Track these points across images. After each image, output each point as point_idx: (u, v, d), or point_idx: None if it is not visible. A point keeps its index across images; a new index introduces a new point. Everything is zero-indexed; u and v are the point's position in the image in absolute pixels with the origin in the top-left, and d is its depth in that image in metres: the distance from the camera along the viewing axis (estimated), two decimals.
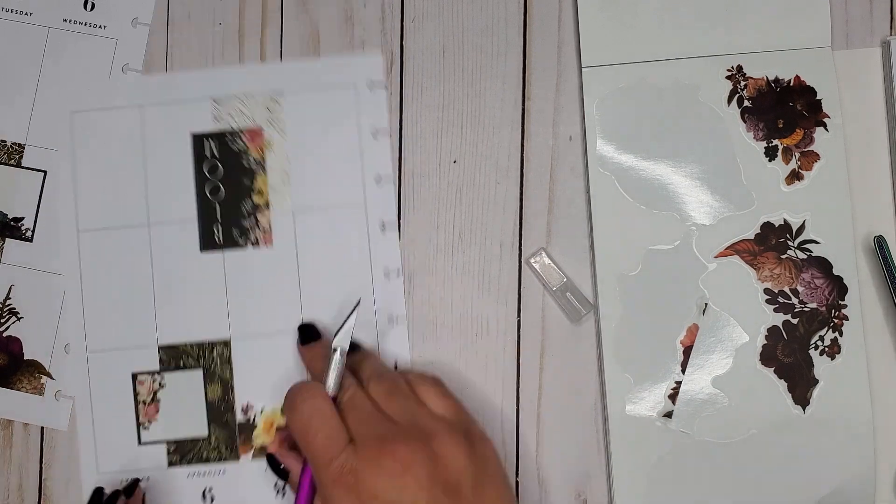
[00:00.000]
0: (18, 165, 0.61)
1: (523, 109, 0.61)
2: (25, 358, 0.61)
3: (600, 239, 0.59)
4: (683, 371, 0.58)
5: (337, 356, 0.53)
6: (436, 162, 0.61)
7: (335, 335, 0.54)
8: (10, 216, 0.61)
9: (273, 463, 0.56)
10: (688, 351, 0.58)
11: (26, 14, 0.62)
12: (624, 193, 0.59)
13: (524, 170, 0.61)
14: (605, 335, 0.58)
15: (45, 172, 0.61)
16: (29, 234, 0.61)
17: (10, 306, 0.61)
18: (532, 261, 0.59)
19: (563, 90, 0.61)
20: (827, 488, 0.57)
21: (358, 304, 0.56)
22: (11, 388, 0.60)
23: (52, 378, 0.60)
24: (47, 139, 0.61)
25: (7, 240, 0.61)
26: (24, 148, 0.61)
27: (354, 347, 0.57)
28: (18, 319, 0.61)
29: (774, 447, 0.57)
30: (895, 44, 0.59)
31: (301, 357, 0.59)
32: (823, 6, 0.59)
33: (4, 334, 0.61)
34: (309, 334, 0.58)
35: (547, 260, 0.59)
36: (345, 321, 0.54)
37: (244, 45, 0.61)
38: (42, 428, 0.60)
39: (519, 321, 0.60)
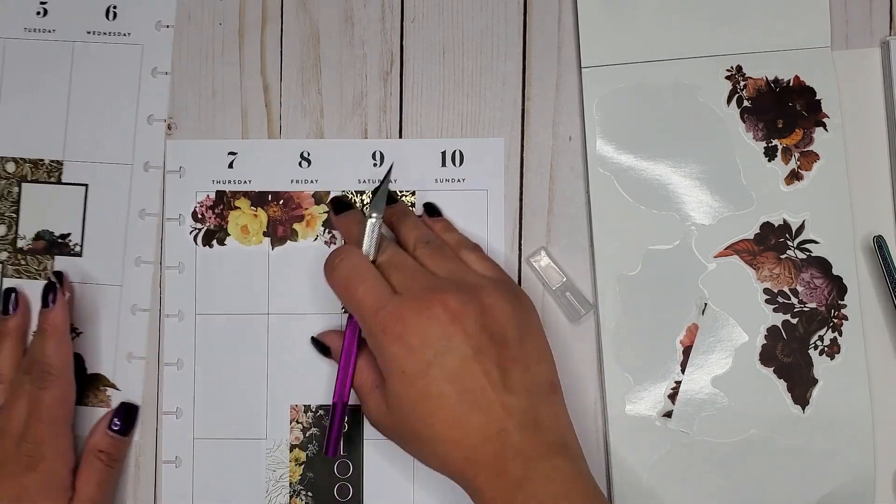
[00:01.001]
0: (59, 182, 0.61)
1: (523, 109, 0.61)
2: (88, 373, 0.60)
3: (600, 239, 0.59)
4: (683, 371, 0.58)
5: (372, 221, 0.54)
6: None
7: (370, 202, 0.55)
8: (56, 233, 0.61)
9: (316, 343, 0.58)
10: (687, 351, 0.58)
11: (49, 31, 0.61)
12: (623, 193, 0.59)
13: (524, 170, 0.60)
14: (605, 335, 0.58)
15: (86, 186, 0.61)
16: (77, 248, 0.61)
17: None
18: (532, 260, 0.59)
19: (563, 90, 0.61)
20: (827, 488, 0.57)
21: (391, 169, 0.57)
22: (78, 405, 0.59)
23: (116, 389, 0.60)
24: (84, 153, 0.61)
25: (57, 257, 0.60)
26: (62, 164, 0.61)
27: (390, 200, 0.58)
28: (77, 335, 0.60)
29: (774, 447, 0.57)
30: (895, 44, 0.59)
31: (336, 228, 0.59)
32: (823, 6, 0.59)
33: None
34: (341, 205, 0.59)
35: (547, 259, 0.59)
36: (378, 187, 0.56)
37: (244, 45, 0.61)
38: None
39: None
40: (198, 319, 0.60)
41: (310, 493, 0.59)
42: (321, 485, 0.59)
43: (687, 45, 0.60)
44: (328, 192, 0.60)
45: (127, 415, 0.58)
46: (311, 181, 0.60)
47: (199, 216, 0.61)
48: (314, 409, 0.59)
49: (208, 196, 0.61)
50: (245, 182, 0.60)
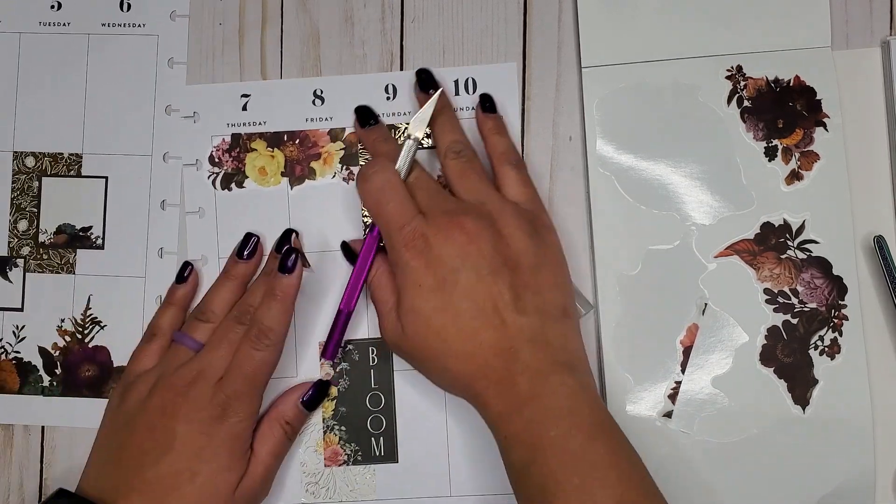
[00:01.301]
0: (79, 175, 0.61)
1: (523, 109, 0.60)
2: (115, 365, 0.60)
3: (600, 239, 0.58)
4: (683, 371, 0.57)
5: (409, 143, 0.55)
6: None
7: (412, 121, 0.56)
8: (78, 227, 0.60)
9: (345, 249, 0.58)
10: (688, 351, 0.57)
11: (64, 25, 0.61)
12: (624, 193, 0.58)
13: None
14: (605, 335, 0.58)
15: (106, 178, 0.60)
16: (99, 241, 0.60)
17: (92, 316, 0.60)
18: None
19: (563, 90, 0.60)
20: (827, 488, 0.56)
21: (439, 93, 0.56)
22: (105, 398, 0.59)
23: None
24: (103, 145, 0.61)
25: (79, 251, 0.60)
26: (81, 158, 0.61)
27: (432, 86, 0.58)
28: (102, 328, 0.60)
29: (774, 447, 0.56)
30: (895, 44, 0.58)
31: (361, 140, 0.59)
32: (823, 6, 0.59)
33: (90, 344, 0.60)
34: (366, 116, 0.59)
35: None
36: (423, 110, 0.56)
37: (244, 46, 0.61)
38: (42, 428, 0.60)
39: None
40: (221, 263, 0.60)
41: (343, 428, 0.59)
42: (354, 418, 0.59)
43: (687, 45, 0.59)
44: (343, 129, 0.60)
45: (320, 392, 0.58)
46: (326, 119, 0.60)
47: (216, 160, 0.60)
48: (343, 345, 0.59)
49: (224, 140, 0.60)
50: (260, 123, 0.60)
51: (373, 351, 0.59)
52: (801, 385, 0.57)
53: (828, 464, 0.56)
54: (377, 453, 0.58)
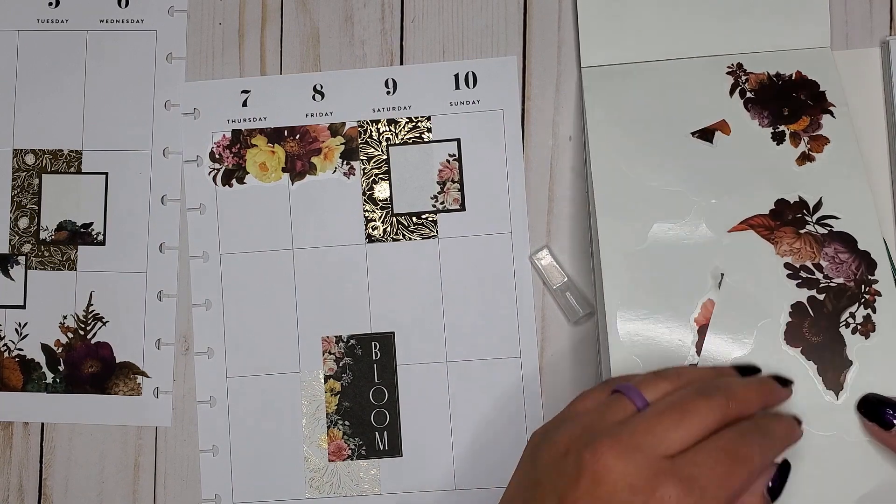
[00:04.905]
0: (79, 172, 0.57)
1: (523, 109, 0.56)
2: (118, 361, 0.56)
3: (603, 214, 0.50)
4: (699, 353, 0.47)
5: None
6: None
7: None
8: (78, 223, 0.57)
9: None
10: (703, 330, 0.48)
11: (62, 21, 0.58)
12: (627, 172, 0.51)
13: (524, 170, 0.54)
14: (609, 314, 0.48)
15: (106, 174, 0.57)
16: (101, 237, 0.57)
17: (94, 312, 0.56)
18: (535, 258, 0.54)
19: (563, 90, 0.56)
20: (866, 486, 0.45)
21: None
22: (109, 394, 0.55)
23: (147, 376, 0.55)
24: (103, 141, 0.57)
25: (80, 247, 0.57)
26: (81, 154, 0.57)
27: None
28: (104, 324, 0.56)
29: (805, 438, 0.45)
30: (894, 44, 0.52)
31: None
32: (823, 7, 0.53)
33: (93, 341, 0.56)
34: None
35: (549, 258, 0.54)
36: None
37: (244, 45, 0.58)
38: (42, 426, 0.55)
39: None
40: (223, 259, 0.55)
41: (346, 423, 0.54)
42: (357, 413, 0.54)
43: (687, 44, 0.54)
44: (343, 124, 0.56)
45: (784, 477, 0.43)
46: (326, 114, 0.56)
47: (217, 156, 0.56)
48: (346, 339, 0.54)
49: (224, 136, 0.56)
50: (260, 119, 0.56)
51: (375, 346, 0.54)
52: (832, 367, 0.46)
53: (866, 457, 0.45)
54: (381, 448, 0.54)
